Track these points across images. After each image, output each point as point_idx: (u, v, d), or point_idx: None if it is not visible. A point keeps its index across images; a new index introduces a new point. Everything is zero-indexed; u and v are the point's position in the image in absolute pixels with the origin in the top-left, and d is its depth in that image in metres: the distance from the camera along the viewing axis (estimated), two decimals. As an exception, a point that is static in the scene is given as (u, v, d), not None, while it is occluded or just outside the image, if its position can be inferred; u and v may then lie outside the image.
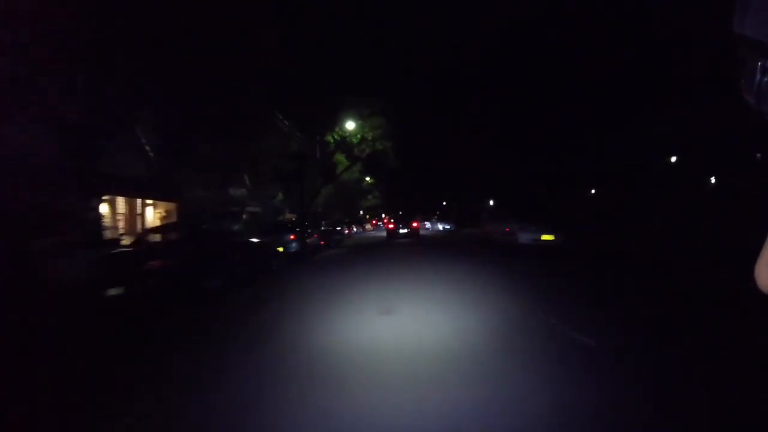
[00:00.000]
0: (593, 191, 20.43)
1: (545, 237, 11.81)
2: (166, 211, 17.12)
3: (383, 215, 53.15)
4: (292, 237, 11.31)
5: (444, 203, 44.19)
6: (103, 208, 14.43)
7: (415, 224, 25.44)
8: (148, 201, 16.59)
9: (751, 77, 0.40)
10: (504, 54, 19.45)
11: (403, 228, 24.71)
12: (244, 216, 23.08)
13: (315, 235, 14.88)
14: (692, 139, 14.95)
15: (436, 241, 20.87)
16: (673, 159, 16.57)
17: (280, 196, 25.46)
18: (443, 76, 22.92)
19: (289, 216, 23.43)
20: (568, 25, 17.16)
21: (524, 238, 12.06)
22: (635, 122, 16.04)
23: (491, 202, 36.37)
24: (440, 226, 32.55)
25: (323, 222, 18.87)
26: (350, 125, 21.32)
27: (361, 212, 50.96)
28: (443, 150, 27.48)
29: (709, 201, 13.49)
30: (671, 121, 15.19)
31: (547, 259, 10.19)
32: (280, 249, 10.14)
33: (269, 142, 20.41)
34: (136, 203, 16.05)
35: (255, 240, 8.52)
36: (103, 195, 14.20)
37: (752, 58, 0.39)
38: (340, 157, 22.59)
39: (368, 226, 52.84)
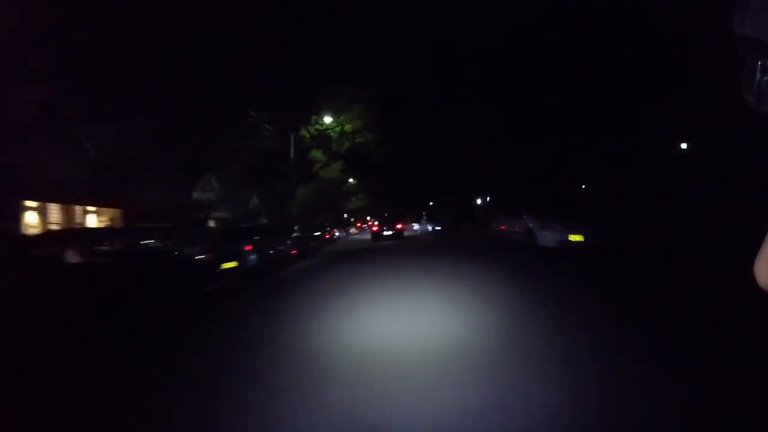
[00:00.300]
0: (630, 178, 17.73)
1: (574, 237, 8.82)
2: (111, 219, 14.85)
3: (368, 218, 51.24)
4: (248, 248, 9.01)
5: (431, 203, 41.85)
6: (30, 217, 12.13)
7: (399, 226, 25.61)
8: (91, 208, 14.29)
9: (751, 77, 0.39)
10: (504, 54, 18.64)
11: (387, 230, 24.71)
12: (211, 223, 20.92)
13: (284, 244, 12.62)
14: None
15: (426, 244, 18.80)
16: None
17: (255, 199, 23.37)
18: (443, 75, 21.96)
19: (265, 221, 21.39)
20: (568, 25, 16.52)
21: (546, 238, 9.13)
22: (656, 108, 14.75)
23: (478, 201, 34.26)
24: (429, 227, 30.46)
25: (296, 227, 16.62)
26: (328, 119, 19.32)
27: (346, 215, 48.93)
28: (441, 149, 26.50)
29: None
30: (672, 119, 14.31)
31: (597, 274, 6.99)
32: (231, 265, 7.88)
33: (237, 138, 18.32)
34: (74, 211, 13.74)
35: (180, 256, 6.14)
36: (25, 201, 11.91)
37: (752, 58, 0.39)
38: (317, 153, 20.42)
39: (353, 230, 51.01)
